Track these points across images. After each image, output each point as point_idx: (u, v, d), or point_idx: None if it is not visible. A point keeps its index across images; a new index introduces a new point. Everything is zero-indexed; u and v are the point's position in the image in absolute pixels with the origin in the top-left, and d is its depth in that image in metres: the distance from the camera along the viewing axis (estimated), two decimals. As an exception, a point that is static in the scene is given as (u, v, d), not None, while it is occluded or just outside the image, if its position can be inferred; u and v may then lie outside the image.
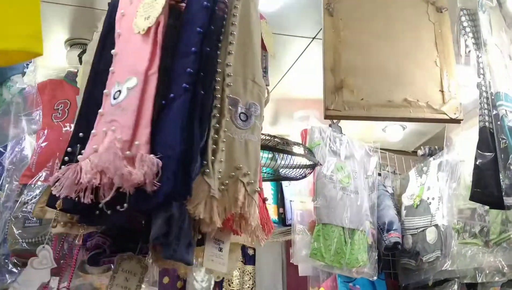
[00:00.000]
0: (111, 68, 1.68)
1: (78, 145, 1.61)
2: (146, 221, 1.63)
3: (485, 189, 1.97)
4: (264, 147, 2.22)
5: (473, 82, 2.14)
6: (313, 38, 2.99)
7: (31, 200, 2.20)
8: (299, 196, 3.25)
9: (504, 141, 1.97)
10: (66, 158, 1.61)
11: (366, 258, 3.03)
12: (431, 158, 3.41)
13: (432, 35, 2.35)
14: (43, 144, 2.31)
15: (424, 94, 2.24)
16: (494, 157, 1.97)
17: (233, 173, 1.57)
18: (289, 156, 2.50)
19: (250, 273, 3.75)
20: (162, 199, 1.43)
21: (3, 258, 2.23)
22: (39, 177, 2.24)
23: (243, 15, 1.77)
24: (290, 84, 3.46)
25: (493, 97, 2.05)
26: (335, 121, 3.19)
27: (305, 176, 2.73)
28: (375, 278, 3.14)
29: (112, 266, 1.88)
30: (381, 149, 3.51)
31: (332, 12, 2.31)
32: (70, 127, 2.32)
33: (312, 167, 2.72)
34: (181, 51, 1.63)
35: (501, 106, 2.04)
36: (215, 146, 1.57)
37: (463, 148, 2.83)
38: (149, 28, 1.65)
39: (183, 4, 1.73)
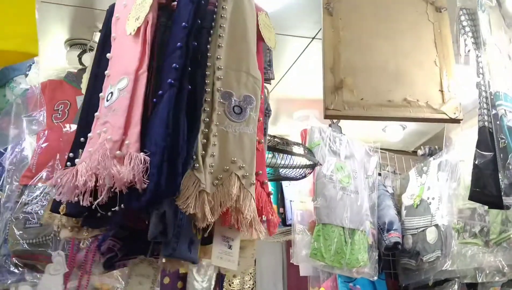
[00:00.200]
0: (106, 72, 1.70)
1: (80, 150, 1.62)
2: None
3: (484, 189, 1.96)
4: (264, 147, 2.23)
5: (473, 81, 2.14)
6: (313, 38, 2.99)
7: (31, 201, 2.19)
8: (299, 196, 3.25)
9: (503, 140, 1.96)
10: (68, 163, 1.62)
11: (366, 258, 3.03)
12: (431, 158, 3.40)
13: (431, 35, 2.35)
14: (43, 145, 2.30)
15: (424, 94, 2.24)
16: (493, 157, 1.97)
17: (227, 167, 1.56)
18: (289, 156, 2.50)
19: (251, 273, 3.75)
20: (148, 196, 1.43)
21: (4, 258, 2.23)
22: (40, 178, 2.23)
23: (235, 7, 1.77)
24: (290, 84, 3.46)
25: (492, 97, 2.04)
26: (335, 121, 3.19)
27: (305, 176, 2.73)
28: (375, 278, 3.14)
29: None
30: (381, 149, 3.51)
31: (332, 12, 2.31)
32: (70, 128, 2.32)
33: (312, 167, 2.73)
34: (169, 48, 1.63)
35: (500, 106, 2.03)
36: (205, 141, 1.57)
37: (463, 148, 2.83)
38: (138, 28, 1.67)
39: (175, 3, 1.74)
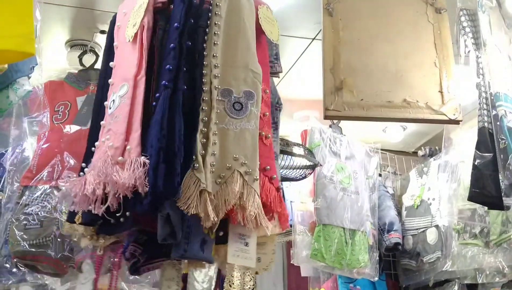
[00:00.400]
0: (109, 80, 1.72)
1: (91, 159, 1.64)
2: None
3: (483, 190, 1.96)
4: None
5: (473, 82, 2.14)
6: (313, 38, 2.99)
7: (32, 202, 2.20)
8: (299, 197, 3.25)
9: (503, 141, 1.96)
10: (81, 173, 1.64)
11: (367, 258, 3.03)
12: (432, 159, 3.41)
13: (431, 36, 2.35)
14: (44, 146, 2.31)
15: (424, 94, 2.24)
16: (493, 158, 1.96)
17: (229, 164, 1.56)
18: (289, 157, 2.51)
19: (251, 273, 3.75)
20: (149, 199, 1.45)
21: (5, 259, 2.24)
22: (40, 179, 2.23)
23: (230, 4, 1.77)
24: (290, 85, 3.46)
25: (492, 98, 2.04)
26: (335, 121, 3.20)
27: (305, 177, 2.73)
28: (376, 278, 3.14)
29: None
30: (381, 149, 3.51)
31: (332, 12, 2.31)
32: (71, 129, 2.32)
33: (312, 167, 2.73)
34: (165, 50, 1.65)
35: (501, 107, 2.03)
36: (205, 140, 1.57)
37: (463, 148, 2.83)
38: (135, 34, 1.69)
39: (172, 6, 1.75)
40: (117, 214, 1.53)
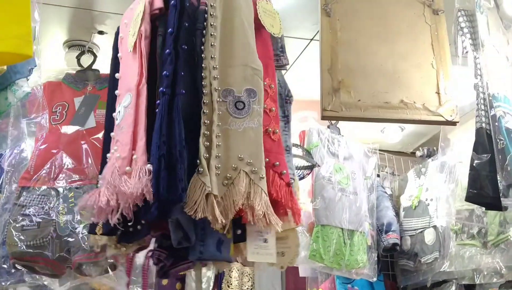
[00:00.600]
0: (116, 92, 1.73)
1: None
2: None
3: (481, 190, 1.96)
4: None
5: (470, 83, 2.14)
6: (311, 39, 2.99)
7: (29, 203, 2.19)
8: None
9: (501, 142, 1.96)
10: (98, 184, 1.66)
11: (365, 259, 3.03)
12: (430, 159, 3.41)
13: (428, 37, 2.34)
14: (42, 147, 2.30)
15: (421, 96, 2.24)
16: (491, 158, 1.97)
17: (235, 165, 1.56)
18: (287, 157, 2.50)
19: (249, 274, 3.75)
20: (155, 206, 1.46)
21: (3, 260, 2.24)
22: (37, 180, 2.23)
23: (225, 3, 1.76)
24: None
25: (490, 98, 2.05)
26: (333, 122, 3.20)
27: (303, 178, 2.73)
28: (374, 279, 3.15)
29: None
30: (379, 150, 3.51)
31: (330, 13, 2.31)
32: (68, 130, 2.32)
33: (311, 168, 2.73)
34: (163, 57, 1.64)
35: (499, 107, 2.04)
36: (208, 143, 1.57)
37: (461, 149, 2.83)
38: (135, 43, 1.69)
39: None
40: (131, 223, 1.55)
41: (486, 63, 2.11)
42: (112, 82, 1.81)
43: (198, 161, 1.53)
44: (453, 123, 2.26)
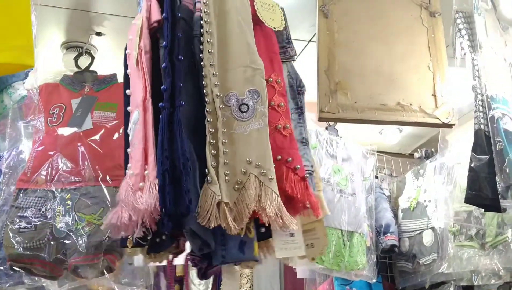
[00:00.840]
0: (128, 108, 1.73)
1: None
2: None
3: (480, 192, 1.96)
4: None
5: (469, 84, 2.14)
6: (309, 41, 2.98)
7: (26, 205, 2.19)
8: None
9: (500, 143, 1.96)
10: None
11: (365, 260, 3.03)
12: (428, 161, 3.41)
13: (425, 40, 2.35)
14: (39, 149, 2.30)
15: (417, 98, 2.24)
16: (489, 160, 1.96)
17: (244, 169, 1.56)
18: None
19: (248, 276, 3.75)
20: (165, 220, 1.48)
21: (1, 262, 2.23)
22: (34, 182, 2.23)
23: (217, 7, 1.75)
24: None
25: (488, 100, 2.04)
26: (331, 123, 3.19)
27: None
28: (374, 280, 3.15)
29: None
30: (378, 151, 3.51)
31: (327, 14, 2.31)
32: (65, 131, 2.31)
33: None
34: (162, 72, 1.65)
35: (497, 109, 2.03)
36: (215, 151, 1.58)
37: (459, 150, 2.83)
38: (137, 59, 1.69)
39: None
40: (155, 235, 1.59)
41: (484, 65, 2.11)
42: (125, 98, 1.81)
43: (206, 170, 1.54)
44: (449, 126, 2.27)
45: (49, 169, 2.22)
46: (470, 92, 2.13)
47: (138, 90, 1.67)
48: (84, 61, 2.71)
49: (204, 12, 1.72)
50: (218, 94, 1.64)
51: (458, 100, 2.31)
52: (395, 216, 3.40)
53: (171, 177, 1.49)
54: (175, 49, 1.63)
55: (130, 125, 1.69)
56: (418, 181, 3.41)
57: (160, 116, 1.57)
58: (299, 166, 1.71)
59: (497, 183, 1.92)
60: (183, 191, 1.48)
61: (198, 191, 1.51)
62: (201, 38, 1.70)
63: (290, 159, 1.70)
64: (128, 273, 2.35)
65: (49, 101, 2.41)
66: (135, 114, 1.65)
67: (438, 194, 3.09)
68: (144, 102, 1.63)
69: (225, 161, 1.56)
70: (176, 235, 1.71)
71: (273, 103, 1.77)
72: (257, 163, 1.57)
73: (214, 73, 1.66)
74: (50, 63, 2.92)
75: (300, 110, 1.99)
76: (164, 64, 1.61)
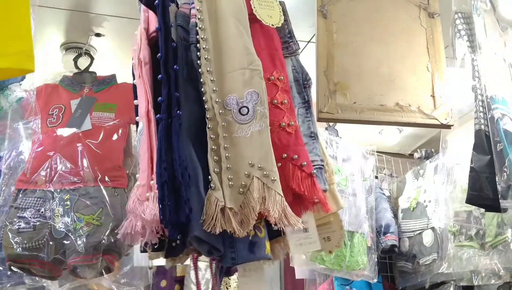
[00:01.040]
0: (137, 118, 1.74)
1: None
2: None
3: (481, 192, 1.96)
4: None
5: (468, 85, 2.14)
6: (308, 41, 2.98)
7: (25, 205, 2.19)
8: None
9: (500, 144, 1.96)
10: None
11: (366, 260, 3.03)
12: (428, 161, 3.41)
13: (424, 40, 2.35)
14: (38, 149, 2.30)
15: (416, 99, 2.24)
16: (490, 160, 1.96)
17: (247, 172, 1.56)
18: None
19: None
20: (168, 229, 1.51)
21: (0, 262, 2.23)
22: (34, 182, 2.23)
23: (210, 12, 1.75)
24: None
25: (488, 100, 2.04)
26: (331, 124, 3.19)
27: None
28: (375, 280, 3.15)
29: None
30: (377, 152, 3.51)
31: (326, 15, 2.31)
32: (64, 132, 2.32)
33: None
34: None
35: (497, 109, 2.03)
36: (217, 157, 1.58)
37: (459, 151, 2.83)
38: (139, 71, 1.71)
39: None
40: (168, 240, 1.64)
41: (484, 65, 2.11)
42: (135, 108, 1.83)
43: (209, 177, 1.55)
44: (448, 126, 2.26)
45: (48, 169, 2.23)
46: (470, 92, 2.12)
47: (142, 101, 1.68)
48: (83, 62, 2.71)
49: (199, 18, 1.73)
50: (217, 100, 1.64)
51: (458, 100, 2.30)
52: (395, 216, 3.40)
53: (170, 188, 1.50)
54: (169, 59, 1.64)
55: (137, 136, 1.71)
56: (418, 181, 3.41)
57: (158, 127, 1.58)
58: (305, 163, 1.70)
59: (497, 183, 1.92)
60: (183, 201, 1.49)
61: (201, 199, 1.52)
62: (198, 45, 1.70)
63: (296, 156, 1.69)
64: (127, 273, 2.35)
65: (49, 102, 2.42)
66: (140, 125, 1.67)
67: (438, 194, 3.09)
68: (147, 114, 1.65)
69: (227, 166, 1.56)
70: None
71: (276, 101, 1.76)
72: (259, 165, 1.57)
73: (212, 79, 1.66)
74: (50, 64, 2.92)
75: (307, 104, 1.97)
76: (160, 76, 1.62)
